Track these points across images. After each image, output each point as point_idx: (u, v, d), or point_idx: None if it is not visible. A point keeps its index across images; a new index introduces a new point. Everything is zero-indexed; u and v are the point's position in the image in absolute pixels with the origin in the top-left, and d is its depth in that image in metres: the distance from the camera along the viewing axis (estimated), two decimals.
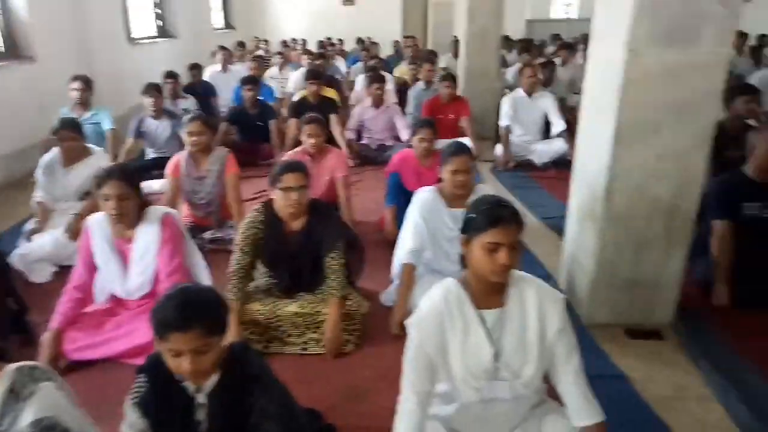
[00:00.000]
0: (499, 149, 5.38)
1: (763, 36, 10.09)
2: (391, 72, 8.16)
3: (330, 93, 6.06)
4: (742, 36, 10.01)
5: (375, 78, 5.58)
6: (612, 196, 2.43)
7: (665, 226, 2.47)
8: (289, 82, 7.45)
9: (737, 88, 4.07)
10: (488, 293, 1.64)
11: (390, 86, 7.49)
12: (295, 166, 2.54)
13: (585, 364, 2.38)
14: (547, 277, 3.20)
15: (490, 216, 1.55)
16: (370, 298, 2.93)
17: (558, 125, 5.24)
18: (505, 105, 5.32)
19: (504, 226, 1.54)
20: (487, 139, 5.98)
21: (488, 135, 5.98)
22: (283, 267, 2.64)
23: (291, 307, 2.53)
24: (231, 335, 2.42)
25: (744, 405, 2.10)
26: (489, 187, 2.81)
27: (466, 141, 5.50)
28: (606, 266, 2.56)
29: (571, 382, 1.63)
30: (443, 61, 9.29)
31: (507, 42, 11.14)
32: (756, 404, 2.11)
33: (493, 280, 1.57)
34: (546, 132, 5.40)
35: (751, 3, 12.44)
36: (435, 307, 1.64)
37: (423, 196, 2.80)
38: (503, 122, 5.30)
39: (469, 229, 1.60)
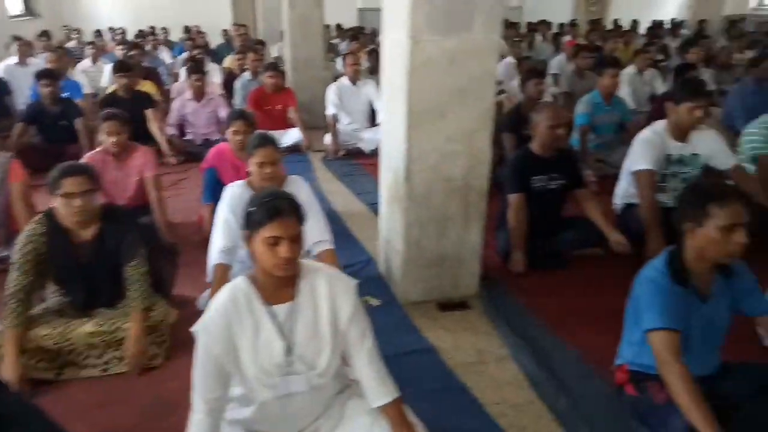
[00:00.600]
0: (328, 138, 5.40)
1: (562, 25, 11.31)
2: (220, 62, 7.82)
3: (146, 86, 5.63)
4: (545, 24, 11.15)
5: (193, 69, 5.28)
6: (412, 178, 2.53)
7: (462, 203, 2.64)
8: (103, 76, 6.81)
9: (528, 72, 4.50)
10: (277, 288, 1.61)
11: (216, 77, 7.18)
12: (75, 169, 2.28)
13: (399, 342, 2.51)
14: (368, 261, 3.28)
15: (269, 210, 1.51)
16: (188, 304, 2.77)
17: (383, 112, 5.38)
18: (330, 93, 5.35)
19: (282, 219, 1.51)
20: (319, 129, 5.97)
21: (319, 124, 5.97)
22: (75, 282, 2.38)
23: (86, 327, 2.28)
24: (7, 368, 2.14)
25: (533, 360, 2.33)
26: (301, 178, 2.77)
27: (295, 132, 5.47)
28: (413, 245, 2.67)
29: (365, 365, 1.66)
30: (276, 50, 9.11)
31: (339, 31, 11.26)
32: (543, 358, 2.35)
33: (277, 274, 1.54)
34: (373, 119, 5.53)
35: None
36: (222, 308, 1.57)
37: (232, 191, 2.69)
38: (329, 111, 5.32)
39: (249, 224, 1.55)
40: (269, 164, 2.58)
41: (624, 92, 6.15)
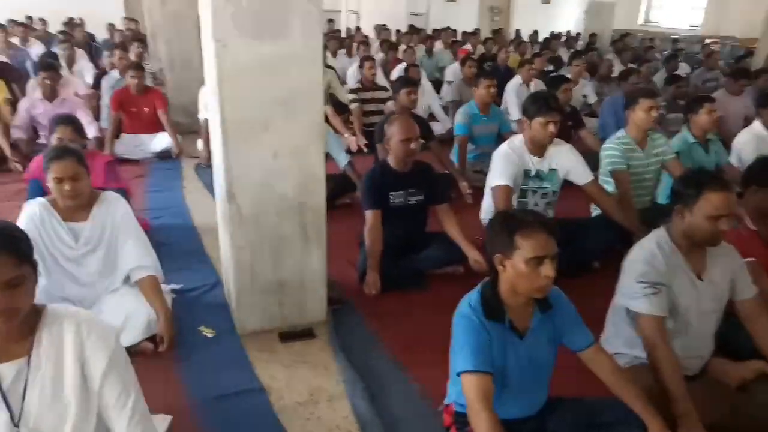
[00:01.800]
0: (200, 144, 5.02)
1: (464, 33, 11.46)
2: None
3: None
4: (448, 32, 11.23)
5: (43, 66, 4.73)
6: (237, 196, 2.26)
7: (299, 224, 2.40)
8: None
9: (399, 80, 4.37)
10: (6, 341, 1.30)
11: (89, 76, 6.59)
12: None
13: (226, 381, 2.23)
14: (215, 284, 2.98)
15: None
16: None
17: None
18: (202, 96, 4.96)
19: None
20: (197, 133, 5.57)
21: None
22: None
23: None
24: None
25: (367, 398, 2.12)
26: (117, 197, 2.43)
27: (165, 136, 5.04)
28: (246, 270, 2.40)
29: (129, 428, 1.38)
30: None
31: None
32: (379, 395, 2.16)
33: None
34: None
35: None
36: None
37: (31, 211, 2.31)
38: (202, 114, 4.94)
39: None
40: (69, 180, 2.22)
41: (511, 102, 6.25)
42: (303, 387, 2.22)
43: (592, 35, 11.69)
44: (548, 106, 2.97)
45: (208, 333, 2.53)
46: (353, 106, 5.54)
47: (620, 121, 5.08)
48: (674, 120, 5.39)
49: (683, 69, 8.72)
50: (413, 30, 11.68)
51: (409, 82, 4.17)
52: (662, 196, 3.94)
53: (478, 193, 4.12)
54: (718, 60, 7.62)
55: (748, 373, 2.04)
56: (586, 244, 3.15)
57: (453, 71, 7.28)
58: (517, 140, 3.16)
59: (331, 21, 12.13)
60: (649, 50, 9.10)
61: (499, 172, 3.05)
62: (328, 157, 3.11)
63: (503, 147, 3.15)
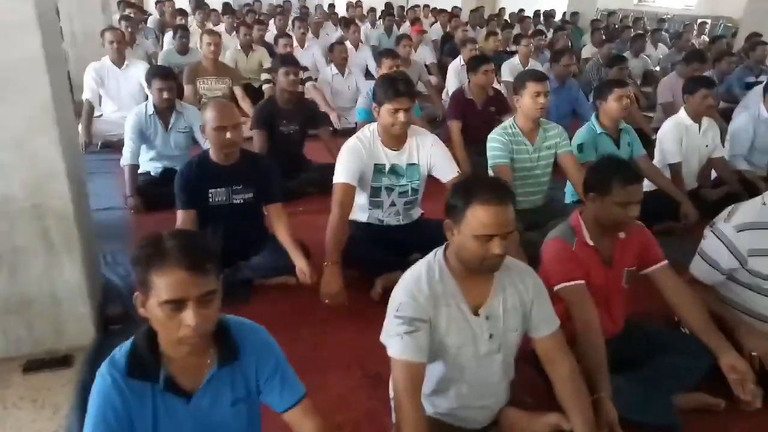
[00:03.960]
0: (80, 128, 4.56)
1: (435, 10, 10.86)
2: None
3: None
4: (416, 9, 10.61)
5: None
6: None
7: (38, 230, 1.97)
8: None
9: (277, 59, 3.91)
10: None
11: None
12: None
13: None
14: None
15: None
16: None
17: None
18: (87, 76, 4.50)
19: None
20: None
21: None
22: None
23: None
24: None
25: None
26: None
27: None
28: None
29: None
30: None
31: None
32: None
33: None
34: None
35: None
36: None
37: None
38: (84, 95, 4.49)
39: None
40: None
41: (451, 83, 5.76)
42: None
43: (574, 14, 11.04)
44: (396, 90, 2.50)
45: None
46: (266, 87, 5.07)
47: (552, 108, 4.63)
48: None
49: (661, 50, 8.14)
50: (388, 7, 11.18)
51: (287, 61, 3.68)
52: (568, 195, 3.48)
53: None
54: (689, 41, 7.01)
55: (543, 428, 1.61)
56: None
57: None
58: (368, 130, 2.70)
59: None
60: (624, 30, 8.47)
61: (339, 168, 2.61)
62: None
63: (352, 138, 2.69)
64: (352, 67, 5.53)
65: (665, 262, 2.03)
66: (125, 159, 3.34)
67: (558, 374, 1.61)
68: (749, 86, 5.57)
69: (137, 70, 4.58)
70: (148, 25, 7.99)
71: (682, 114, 3.58)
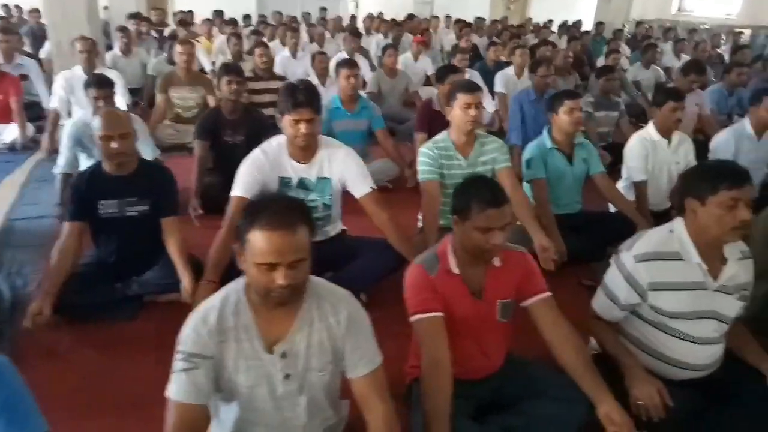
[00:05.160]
0: (45, 136, 4.51)
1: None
2: None
3: None
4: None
5: None
6: None
7: None
8: None
9: (221, 68, 3.80)
10: None
11: None
12: None
13: None
14: None
15: None
16: None
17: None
18: (56, 84, 4.52)
19: None
20: None
21: None
22: None
23: None
24: None
25: None
26: None
27: (12, 127, 4.67)
28: None
29: None
30: None
31: None
32: None
33: None
34: None
35: None
36: None
37: None
38: (52, 103, 4.51)
39: None
40: None
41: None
42: None
43: (599, 24, 10.62)
44: (295, 101, 2.33)
45: None
46: None
47: (528, 121, 4.37)
48: (605, 120, 4.55)
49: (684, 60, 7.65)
50: (410, 18, 11.07)
51: (231, 69, 3.58)
52: None
53: None
54: (705, 51, 6.55)
55: None
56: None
57: (402, 60, 6.64)
58: (275, 141, 2.54)
59: (323, 9, 11.57)
60: (644, 39, 8.03)
61: (236, 181, 2.46)
62: None
63: (256, 150, 2.54)
64: None
65: (546, 294, 1.78)
66: (58, 167, 3.30)
67: (369, 422, 1.40)
68: None
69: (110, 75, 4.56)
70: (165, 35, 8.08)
71: (649, 128, 3.27)
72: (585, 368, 1.66)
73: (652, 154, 3.20)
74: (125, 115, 2.49)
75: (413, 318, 1.67)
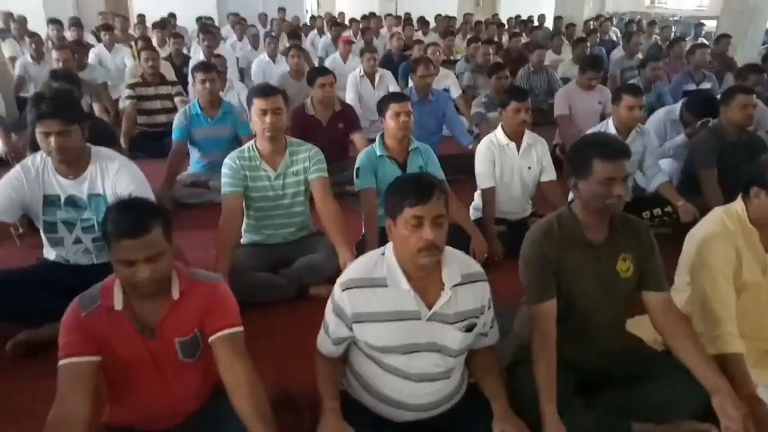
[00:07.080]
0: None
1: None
2: None
3: None
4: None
5: None
6: None
7: None
8: None
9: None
10: None
11: None
12: None
13: None
14: None
15: None
16: None
17: None
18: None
19: None
20: None
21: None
22: None
23: None
24: None
25: None
26: None
27: None
28: None
29: None
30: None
31: None
32: None
33: None
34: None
35: None
36: None
37: None
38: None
39: None
40: None
41: (349, 97, 5.32)
42: None
43: (557, 18, 10.36)
44: (39, 112, 2.12)
45: None
46: (126, 103, 4.79)
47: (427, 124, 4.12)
48: (496, 120, 4.30)
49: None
50: (372, 15, 10.80)
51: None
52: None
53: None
54: (638, 44, 6.30)
55: None
56: None
57: (329, 61, 6.43)
58: (39, 156, 2.31)
59: (281, 9, 11.29)
60: (591, 34, 7.74)
61: None
62: None
63: (15, 167, 2.31)
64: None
65: (233, 329, 1.56)
66: None
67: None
68: (688, 94, 4.85)
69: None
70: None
71: (498, 132, 3.04)
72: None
73: (499, 160, 2.97)
74: None
75: (58, 363, 1.46)
